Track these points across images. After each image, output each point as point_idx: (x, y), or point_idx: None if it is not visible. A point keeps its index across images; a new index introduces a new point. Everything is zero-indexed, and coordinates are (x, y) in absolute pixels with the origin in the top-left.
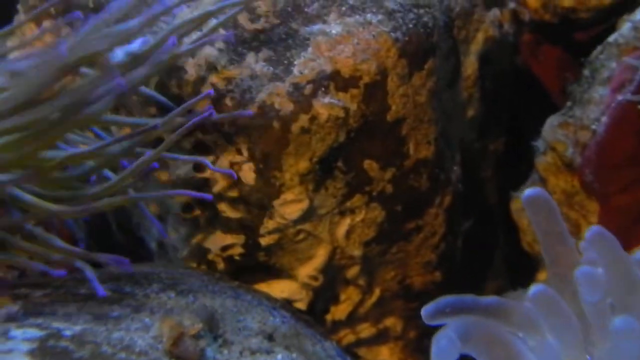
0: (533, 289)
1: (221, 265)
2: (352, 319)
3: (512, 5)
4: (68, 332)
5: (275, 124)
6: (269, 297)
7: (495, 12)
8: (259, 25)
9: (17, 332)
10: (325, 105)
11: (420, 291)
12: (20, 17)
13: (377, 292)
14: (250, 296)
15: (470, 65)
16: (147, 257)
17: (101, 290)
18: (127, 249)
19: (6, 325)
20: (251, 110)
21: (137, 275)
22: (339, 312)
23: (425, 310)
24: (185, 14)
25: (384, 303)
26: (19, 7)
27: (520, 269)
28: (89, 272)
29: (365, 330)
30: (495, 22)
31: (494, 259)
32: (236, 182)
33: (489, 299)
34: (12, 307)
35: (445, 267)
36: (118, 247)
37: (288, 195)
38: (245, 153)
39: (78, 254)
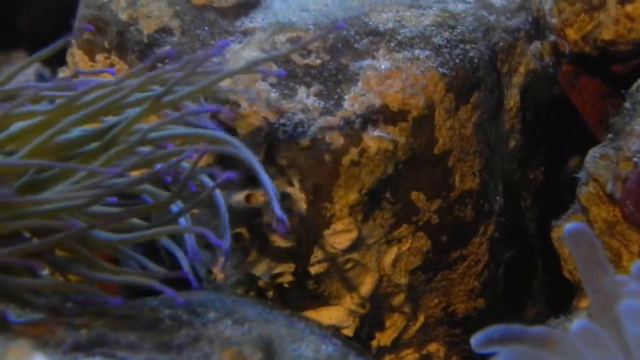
0: (576, 324)
1: (270, 293)
2: (396, 345)
3: (552, 37)
4: None
5: (327, 157)
6: (320, 325)
7: (536, 45)
8: (310, 60)
9: None
10: (375, 138)
11: (463, 318)
12: (74, 50)
13: (421, 318)
14: (303, 324)
15: (512, 98)
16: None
17: (180, 300)
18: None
19: (74, 354)
20: (302, 144)
21: (193, 303)
22: (384, 338)
23: (475, 339)
24: (236, 50)
25: (428, 329)
26: (72, 40)
27: (559, 295)
28: (168, 290)
29: (409, 356)
30: (536, 55)
31: (533, 286)
32: (287, 213)
33: (537, 328)
34: (78, 336)
35: (488, 295)
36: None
37: (338, 226)
38: (297, 184)
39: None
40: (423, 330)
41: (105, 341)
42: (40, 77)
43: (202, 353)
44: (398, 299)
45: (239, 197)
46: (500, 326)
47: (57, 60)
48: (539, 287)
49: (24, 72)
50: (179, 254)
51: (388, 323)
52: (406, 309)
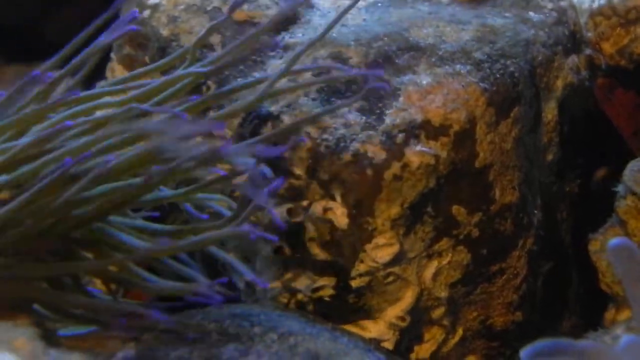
0: (625, 339)
1: (310, 306)
2: (435, 358)
3: (587, 51)
4: None
5: (369, 172)
6: (362, 339)
7: (573, 59)
8: (352, 76)
9: None
10: (417, 153)
11: (501, 331)
12: (114, 65)
13: (460, 331)
14: (347, 338)
15: (550, 111)
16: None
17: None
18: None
19: None
20: (345, 159)
21: (238, 317)
22: (423, 351)
23: (524, 353)
24: (277, 65)
25: (466, 342)
26: (112, 55)
27: (592, 307)
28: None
29: None
30: (573, 69)
31: (568, 298)
32: (329, 227)
33: (585, 343)
34: (128, 350)
35: (526, 307)
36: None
37: (380, 240)
38: (339, 199)
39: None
40: (461, 343)
41: (155, 355)
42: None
43: None
44: (438, 312)
45: (280, 210)
46: (548, 340)
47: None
48: (573, 299)
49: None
50: (236, 263)
51: (427, 336)
52: (445, 322)
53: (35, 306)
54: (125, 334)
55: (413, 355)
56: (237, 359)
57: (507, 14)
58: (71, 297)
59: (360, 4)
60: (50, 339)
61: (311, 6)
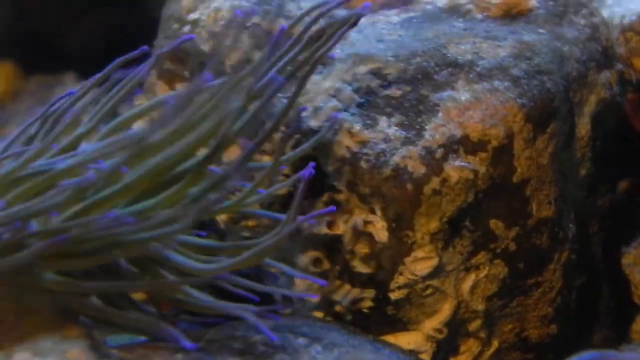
0: None
1: (348, 317)
2: None
3: (619, 66)
4: None
5: (409, 186)
6: (402, 351)
7: (606, 75)
8: (391, 91)
9: None
10: (456, 168)
11: (536, 343)
12: (153, 79)
13: (495, 344)
14: (388, 350)
15: (583, 127)
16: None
17: (273, 336)
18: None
19: None
20: (385, 174)
21: (282, 328)
22: None
23: None
24: (316, 81)
25: (501, 355)
26: (152, 70)
27: (624, 319)
28: (261, 325)
29: None
30: (606, 84)
31: (599, 311)
32: (368, 240)
33: (629, 354)
34: (177, 357)
35: (561, 320)
36: (241, 296)
37: (419, 253)
38: (379, 212)
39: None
40: (496, 355)
41: None
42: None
43: None
44: (474, 325)
45: (319, 224)
46: (594, 351)
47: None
48: (604, 312)
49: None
50: (290, 270)
51: (463, 348)
52: (482, 335)
53: (82, 318)
54: (171, 345)
55: None
56: None
57: (541, 30)
58: (121, 312)
59: (394, 19)
60: (100, 349)
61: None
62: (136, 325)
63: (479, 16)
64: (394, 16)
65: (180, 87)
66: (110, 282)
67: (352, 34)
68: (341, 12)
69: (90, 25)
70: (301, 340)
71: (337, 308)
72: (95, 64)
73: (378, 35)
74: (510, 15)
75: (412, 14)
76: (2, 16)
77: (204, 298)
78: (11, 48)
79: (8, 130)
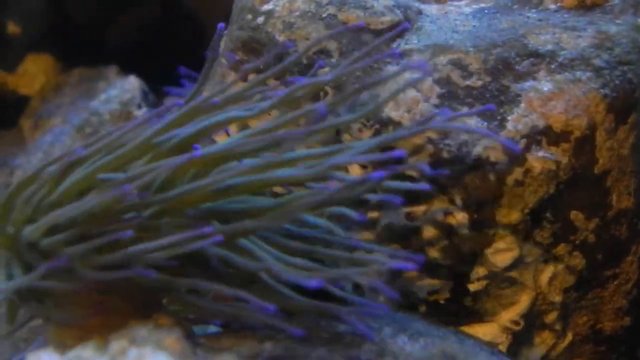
0: None
1: (423, 308)
2: None
3: None
4: None
5: (491, 177)
6: (484, 342)
7: None
8: (471, 82)
9: None
10: (539, 158)
11: (609, 336)
12: (224, 70)
13: (569, 336)
14: (472, 341)
15: None
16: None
17: (370, 334)
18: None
19: None
20: (467, 163)
21: (366, 318)
22: (533, 355)
23: None
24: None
25: (575, 347)
26: (223, 60)
27: None
28: (353, 320)
29: None
30: None
31: None
32: (447, 231)
33: None
34: (272, 349)
35: (634, 313)
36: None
37: (500, 244)
38: (460, 203)
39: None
40: (570, 347)
41: (296, 354)
42: (145, 96)
43: None
44: (551, 317)
45: (397, 215)
46: None
47: (159, 77)
48: None
49: (127, 90)
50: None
51: (537, 340)
52: (557, 327)
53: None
54: (259, 333)
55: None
56: (375, 359)
57: (618, 21)
58: (210, 302)
59: (466, 10)
60: (191, 338)
61: (420, 13)
62: (229, 313)
63: (552, 6)
64: (465, 7)
65: (252, 78)
66: (201, 276)
67: (427, 25)
68: (414, 3)
69: (129, 19)
70: (387, 330)
71: (411, 299)
72: (134, 57)
73: (452, 25)
74: (585, 6)
75: (483, 5)
76: (41, 9)
77: (295, 296)
78: (50, 41)
79: (53, 122)
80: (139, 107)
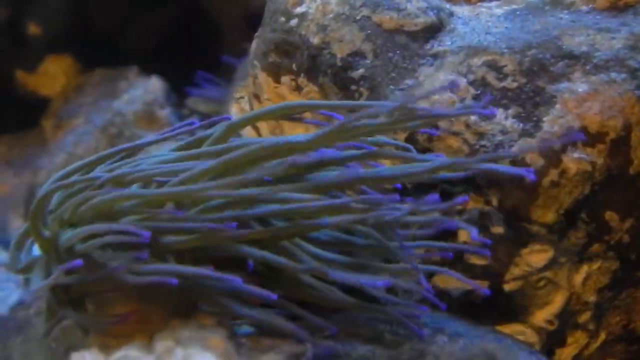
0: None
1: (454, 309)
2: None
3: None
4: None
5: (527, 178)
6: (521, 341)
7: None
8: (507, 83)
9: None
10: (574, 160)
11: None
12: (257, 72)
13: (602, 335)
14: (510, 340)
15: None
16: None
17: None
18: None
19: None
20: (503, 164)
21: (405, 318)
22: (565, 354)
23: None
24: (430, 73)
25: (607, 346)
26: (256, 62)
27: None
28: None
29: None
30: None
31: None
32: (483, 232)
33: None
34: (314, 348)
35: None
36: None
37: (535, 245)
38: (495, 204)
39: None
40: (602, 347)
41: (340, 353)
42: (168, 96)
43: None
44: (584, 317)
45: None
46: None
47: (177, 78)
48: None
49: (150, 90)
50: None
51: (570, 340)
52: (590, 327)
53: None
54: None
55: (554, 359)
56: (417, 359)
57: None
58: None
59: (497, 11)
60: (234, 339)
61: (452, 14)
62: (260, 318)
63: (584, 8)
64: (496, 8)
65: (285, 79)
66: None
67: (460, 27)
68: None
69: (148, 20)
70: (426, 331)
71: (445, 298)
72: (153, 58)
73: (485, 28)
74: (617, 7)
75: (514, 6)
76: (61, 10)
77: (340, 294)
78: (70, 43)
79: (75, 122)
80: (162, 107)
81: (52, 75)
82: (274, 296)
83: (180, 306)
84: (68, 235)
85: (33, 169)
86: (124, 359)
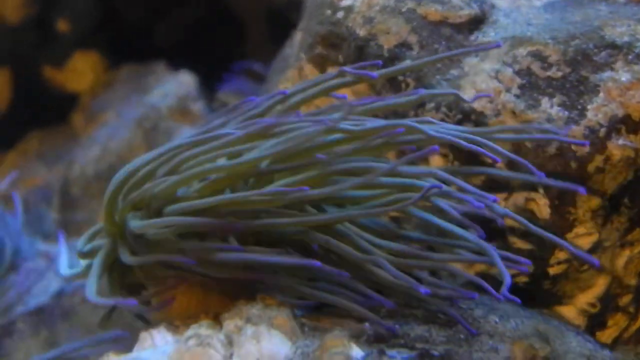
0: None
1: (498, 292)
2: (615, 344)
3: None
4: (436, 352)
5: (573, 164)
6: (567, 323)
7: None
8: (552, 73)
9: (392, 352)
10: (619, 146)
11: None
12: (303, 64)
13: None
14: (556, 321)
15: None
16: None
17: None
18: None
19: (379, 345)
20: (550, 152)
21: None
22: (605, 336)
23: None
24: (475, 63)
25: None
26: (302, 54)
27: None
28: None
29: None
30: None
31: None
32: (529, 217)
33: None
34: (373, 326)
35: None
36: None
37: (580, 229)
38: (542, 190)
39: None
40: None
41: (399, 332)
42: (199, 91)
43: (489, 346)
44: (625, 300)
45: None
46: None
47: (204, 72)
48: None
49: (183, 84)
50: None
51: (610, 322)
52: (630, 309)
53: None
54: (355, 315)
55: None
56: (472, 337)
57: None
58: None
59: (537, 3)
60: (296, 318)
61: (493, 6)
62: (327, 298)
63: (621, 0)
64: (535, 0)
65: (332, 71)
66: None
67: (502, 19)
68: None
69: (175, 16)
70: (478, 312)
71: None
72: (180, 54)
73: (526, 19)
74: None
75: None
76: (90, 7)
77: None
78: (98, 39)
79: (106, 117)
80: (195, 101)
81: (79, 71)
82: (345, 274)
83: (243, 287)
84: (139, 223)
85: (66, 162)
86: (196, 336)
